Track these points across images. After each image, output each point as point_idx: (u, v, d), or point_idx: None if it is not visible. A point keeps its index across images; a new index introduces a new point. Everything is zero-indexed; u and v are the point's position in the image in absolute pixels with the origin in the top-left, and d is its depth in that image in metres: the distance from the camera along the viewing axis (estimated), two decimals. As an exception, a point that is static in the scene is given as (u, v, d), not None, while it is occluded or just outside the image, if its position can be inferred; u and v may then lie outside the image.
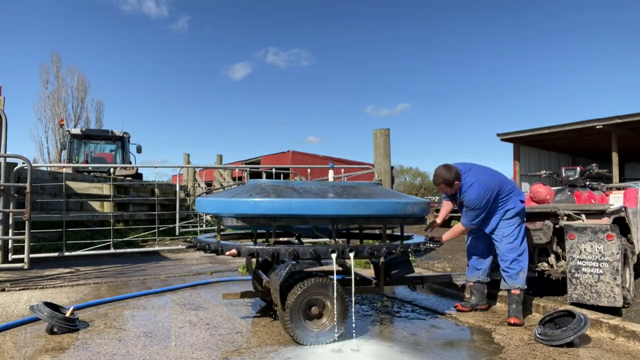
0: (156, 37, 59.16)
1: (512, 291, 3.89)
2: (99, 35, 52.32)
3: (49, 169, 10.47)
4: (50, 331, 3.42)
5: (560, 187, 5.20)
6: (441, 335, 3.55)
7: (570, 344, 3.18)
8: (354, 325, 3.41)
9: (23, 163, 5.86)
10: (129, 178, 11.69)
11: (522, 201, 3.99)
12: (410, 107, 69.22)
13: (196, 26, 62.73)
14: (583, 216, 3.99)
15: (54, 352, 3.05)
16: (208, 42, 64.73)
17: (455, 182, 3.84)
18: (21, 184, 5.70)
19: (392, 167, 8.58)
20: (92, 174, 10.77)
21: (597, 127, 13.95)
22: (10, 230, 5.76)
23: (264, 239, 4.29)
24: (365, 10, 66.59)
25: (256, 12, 65.69)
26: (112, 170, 11.71)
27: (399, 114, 67.41)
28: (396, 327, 3.72)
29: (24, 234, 5.48)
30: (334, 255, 3.18)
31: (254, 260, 4.09)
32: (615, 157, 14.26)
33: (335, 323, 3.22)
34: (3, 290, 4.95)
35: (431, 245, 3.81)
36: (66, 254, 6.80)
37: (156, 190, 10.21)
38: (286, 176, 13.06)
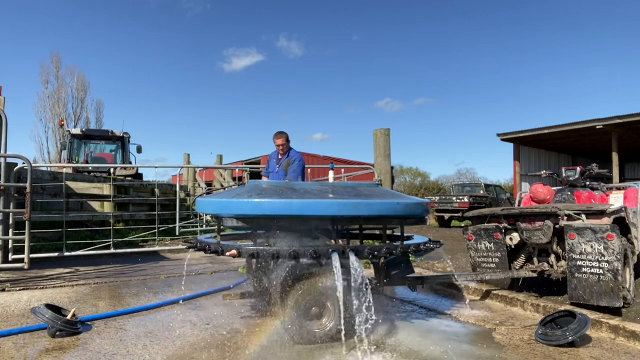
0: (156, 35, 59.07)
1: None
2: (99, 34, 52.30)
3: (49, 169, 10.48)
4: (53, 335, 3.39)
5: (560, 187, 5.20)
6: (441, 335, 3.55)
7: (570, 344, 3.18)
8: (353, 325, 3.41)
9: (23, 163, 5.87)
10: (129, 178, 11.69)
11: None
12: (407, 107, 69.18)
13: (196, 16, 62.50)
14: (583, 216, 4.00)
15: (54, 352, 3.05)
16: (209, 33, 64.19)
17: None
18: (21, 184, 5.70)
19: (392, 167, 8.58)
20: (92, 174, 10.77)
21: (597, 127, 13.96)
22: (10, 230, 5.76)
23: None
24: (367, 9, 66.53)
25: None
26: (112, 170, 11.71)
27: (398, 112, 67.36)
28: (396, 327, 3.71)
29: (24, 234, 5.48)
30: (334, 256, 3.18)
31: (254, 260, 4.09)
32: (615, 157, 14.26)
33: (335, 323, 3.22)
34: (3, 290, 4.96)
35: (431, 245, 3.81)
36: (66, 254, 6.80)
37: (156, 190, 10.22)
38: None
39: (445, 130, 71.50)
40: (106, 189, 8.88)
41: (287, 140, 5.50)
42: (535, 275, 4.42)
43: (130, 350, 3.11)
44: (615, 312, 3.76)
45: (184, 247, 3.89)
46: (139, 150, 13.52)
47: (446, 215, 16.60)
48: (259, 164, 26.91)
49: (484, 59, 65.08)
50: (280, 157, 5.56)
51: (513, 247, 4.57)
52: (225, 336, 3.44)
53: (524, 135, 16.29)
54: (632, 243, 4.47)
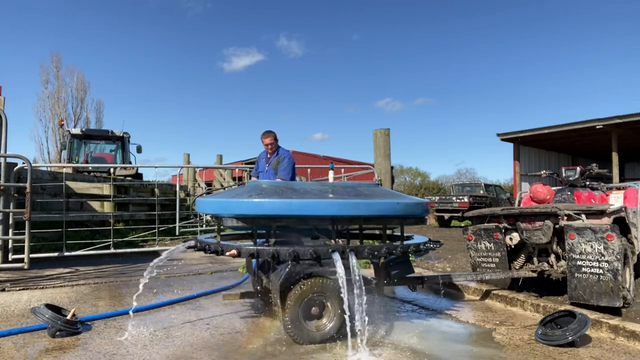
0: (156, 35, 59.01)
1: None
2: (99, 34, 52.27)
3: (49, 169, 10.48)
4: (53, 335, 3.39)
5: (560, 187, 5.20)
6: (441, 335, 3.56)
7: (570, 344, 3.18)
8: (353, 325, 3.41)
9: (23, 163, 5.87)
10: (129, 178, 11.69)
11: None
12: (407, 107, 69.15)
13: (197, 16, 62.40)
14: (583, 216, 4.00)
15: (54, 352, 3.05)
16: (209, 33, 64.06)
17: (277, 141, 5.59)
18: (21, 184, 5.70)
19: (392, 167, 8.58)
20: (92, 174, 10.77)
21: (597, 127, 13.96)
22: (10, 230, 5.76)
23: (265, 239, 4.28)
24: (367, 9, 66.45)
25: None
26: (112, 170, 11.70)
27: (398, 112, 67.31)
28: (396, 327, 3.71)
29: (24, 234, 5.47)
30: (335, 256, 3.18)
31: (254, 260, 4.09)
32: (615, 157, 14.26)
33: (335, 323, 3.22)
34: (3, 290, 4.95)
35: (431, 245, 3.81)
36: (66, 254, 6.80)
37: (156, 190, 10.22)
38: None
39: (445, 130, 71.56)
40: (106, 189, 8.88)
41: (275, 139, 5.55)
42: (535, 275, 4.42)
43: (130, 350, 3.11)
44: (615, 312, 3.76)
45: (184, 247, 3.90)
46: (139, 150, 13.53)
47: (446, 215, 16.60)
48: (259, 164, 26.84)
49: (484, 59, 65.14)
50: (269, 156, 5.60)
51: (513, 247, 4.57)
52: (225, 336, 3.44)
53: (524, 135, 16.28)
54: (632, 243, 4.47)
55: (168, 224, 8.94)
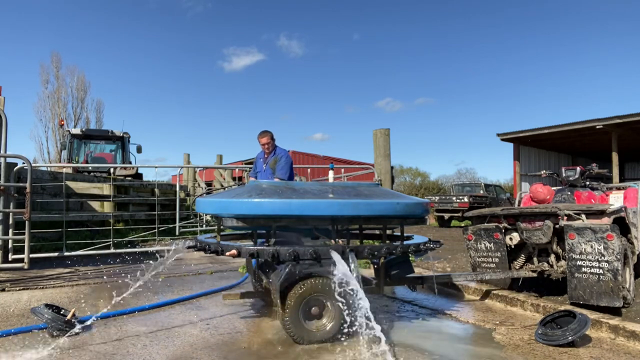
0: (156, 35, 58.97)
1: None
2: (99, 34, 52.22)
3: (49, 169, 10.48)
4: (53, 335, 3.39)
5: (560, 187, 5.20)
6: (441, 335, 3.56)
7: (570, 344, 3.18)
8: (352, 325, 3.41)
9: (23, 163, 5.87)
10: (129, 178, 11.69)
11: None
12: (407, 107, 69.13)
13: (197, 16, 62.34)
14: (583, 216, 4.00)
15: (54, 352, 3.05)
16: (209, 33, 63.90)
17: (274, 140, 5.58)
18: (21, 184, 5.70)
19: (392, 167, 8.58)
20: (92, 174, 10.77)
21: (597, 127, 13.96)
22: (10, 230, 5.76)
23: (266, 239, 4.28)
24: (367, 9, 66.40)
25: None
26: (112, 170, 11.70)
27: (398, 112, 67.30)
28: (396, 327, 3.72)
29: (24, 234, 5.47)
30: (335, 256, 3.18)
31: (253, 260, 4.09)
32: (615, 157, 14.26)
33: (335, 323, 3.22)
34: (3, 290, 4.95)
35: (431, 245, 3.81)
36: (66, 254, 6.80)
37: (156, 190, 10.22)
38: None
39: (445, 130, 71.50)
40: (106, 189, 8.88)
41: (272, 139, 5.54)
42: (535, 275, 4.42)
43: (130, 350, 3.11)
44: (615, 312, 3.76)
45: (185, 247, 3.90)
46: (139, 150, 13.52)
47: (446, 215, 16.60)
48: (259, 164, 26.81)
49: (484, 59, 65.09)
50: (266, 156, 5.59)
51: (513, 247, 4.57)
52: (225, 336, 3.44)
53: (524, 135, 16.28)
54: (632, 243, 4.47)
55: (168, 224, 8.93)
